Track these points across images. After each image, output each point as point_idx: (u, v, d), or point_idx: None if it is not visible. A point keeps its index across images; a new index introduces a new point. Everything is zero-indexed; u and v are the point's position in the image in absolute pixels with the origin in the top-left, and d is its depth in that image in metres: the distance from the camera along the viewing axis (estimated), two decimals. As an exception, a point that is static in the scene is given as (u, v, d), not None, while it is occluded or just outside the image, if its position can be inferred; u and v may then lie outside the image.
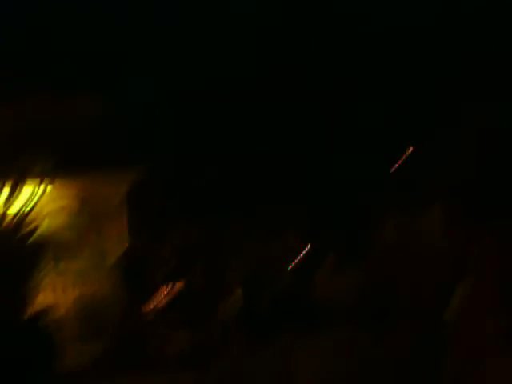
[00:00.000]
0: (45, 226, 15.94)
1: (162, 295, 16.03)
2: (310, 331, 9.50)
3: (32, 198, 15.64)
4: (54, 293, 14.51)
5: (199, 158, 25.76)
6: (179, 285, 14.72)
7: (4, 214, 14.42)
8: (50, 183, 15.46)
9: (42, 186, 15.50)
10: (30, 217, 15.66)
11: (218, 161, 25.54)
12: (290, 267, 12.58)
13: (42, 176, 15.02)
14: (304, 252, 12.33)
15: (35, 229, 14.82)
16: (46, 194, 15.65)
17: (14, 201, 15.17)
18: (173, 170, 24.58)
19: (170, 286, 15.88)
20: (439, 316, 4.55)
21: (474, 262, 4.40)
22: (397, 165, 20.50)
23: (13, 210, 15.38)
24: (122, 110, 18.02)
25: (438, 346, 4.87)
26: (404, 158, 24.66)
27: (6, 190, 14.90)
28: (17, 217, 14.22)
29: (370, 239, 12.10)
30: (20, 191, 15.19)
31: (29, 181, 15.14)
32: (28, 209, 15.78)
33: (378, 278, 13.22)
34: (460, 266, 4.32)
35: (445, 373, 4.34)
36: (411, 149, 25.61)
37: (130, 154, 16.55)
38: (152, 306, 14.99)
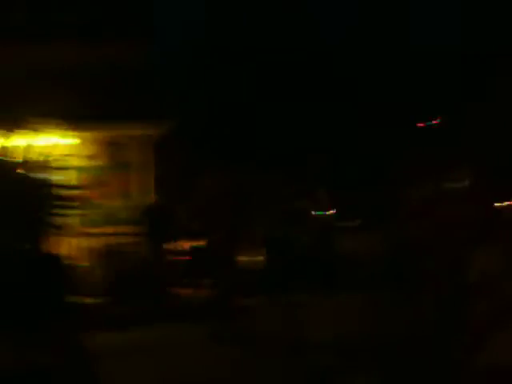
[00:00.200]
0: (71, 173, 16.00)
1: (185, 248, 16.03)
2: (331, 291, 9.39)
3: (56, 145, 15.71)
4: (78, 240, 14.55)
5: (229, 111, 25.75)
6: (202, 239, 14.64)
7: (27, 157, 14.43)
8: (77, 132, 15.47)
9: (70, 134, 15.53)
10: (54, 162, 15.76)
11: (248, 116, 25.52)
12: (314, 226, 12.46)
13: (68, 124, 15.02)
14: (328, 212, 12.21)
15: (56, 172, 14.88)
16: (74, 142, 15.68)
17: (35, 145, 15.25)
18: (201, 124, 24.60)
19: (193, 239, 15.90)
20: (462, 278, 4.48)
21: (498, 225, 4.32)
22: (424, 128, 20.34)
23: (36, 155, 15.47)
24: (152, 61, 17.87)
25: (460, 307, 4.78)
26: (432, 124, 24.52)
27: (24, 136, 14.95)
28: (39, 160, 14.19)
29: (395, 201, 11.95)
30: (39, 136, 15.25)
31: (53, 128, 15.16)
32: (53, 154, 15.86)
33: (402, 239, 13.12)
34: (483, 228, 4.23)
35: (467, 333, 4.28)
36: (438, 117, 25.51)
37: (159, 106, 16.47)
38: (174, 258, 15.01)
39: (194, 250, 15.92)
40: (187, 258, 15.98)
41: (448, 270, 10.71)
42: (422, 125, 19.00)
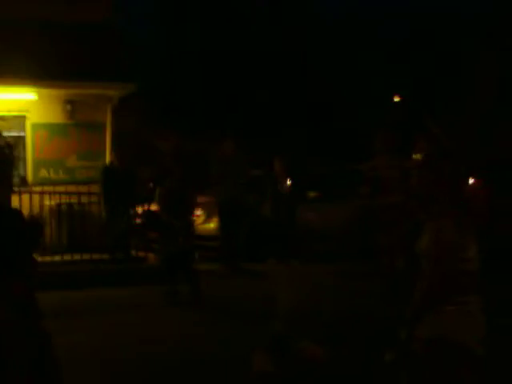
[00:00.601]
0: (29, 130, 15.85)
1: (140, 212, 15.97)
2: (288, 260, 9.45)
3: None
4: (36, 198, 14.45)
5: (192, 78, 25.65)
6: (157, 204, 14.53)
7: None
8: (36, 88, 15.28)
9: (29, 91, 15.34)
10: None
11: (211, 82, 25.43)
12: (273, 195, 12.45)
13: (27, 79, 14.83)
14: (289, 182, 12.22)
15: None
16: (33, 99, 15.50)
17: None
18: (163, 87, 24.50)
19: (148, 202, 15.84)
20: (413, 251, 4.58)
21: (452, 199, 4.39)
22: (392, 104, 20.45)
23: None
24: (118, 21, 17.65)
25: (409, 280, 4.88)
26: (398, 100, 24.71)
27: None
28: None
29: (360, 176, 12.05)
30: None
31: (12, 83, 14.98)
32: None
33: (361, 213, 13.28)
34: (437, 201, 4.30)
35: (409, 306, 4.37)
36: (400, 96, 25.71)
37: (121, 67, 16.33)
38: (130, 221, 14.94)
39: (147, 212, 15.87)
40: (141, 220, 15.95)
41: (401, 243, 10.91)
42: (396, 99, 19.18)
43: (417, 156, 4.71)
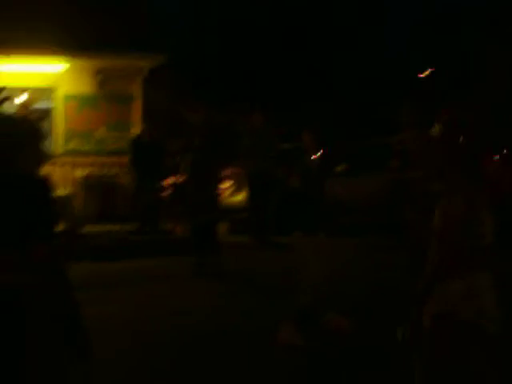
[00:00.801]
0: (60, 101, 15.95)
1: (169, 184, 16.05)
2: (317, 233, 9.46)
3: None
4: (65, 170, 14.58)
5: (223, 49, 25.58)
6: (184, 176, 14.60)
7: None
8: (67, 60, 15.36)
9: (60, 62, 15.43)
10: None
11: (241, 55, 25.35)
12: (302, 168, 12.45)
13: (58, 51, 14.91)
14: (318, 154, 12.20)
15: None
16: (64, 70, 15.59)
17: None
18: (194, 59, 24.49)
19: (177, 175, 15.91)
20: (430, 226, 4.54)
21: (465, 175, 4.33)
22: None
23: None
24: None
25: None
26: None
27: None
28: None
29: (389, 150, 12.01)
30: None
31: (42, 55, 15.06)
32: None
33: (390, 187, 13.26)
34: (447, 177, 4.26)
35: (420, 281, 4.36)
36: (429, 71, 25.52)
37: (152, 38, 16.37)
38: (158, 193, 15.02)
39: (175, 185, 15.95)
40: (170, 192, 16.03)
41: (423, 219, 10.86)
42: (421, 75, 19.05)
43: (437, 128, 4.60)
